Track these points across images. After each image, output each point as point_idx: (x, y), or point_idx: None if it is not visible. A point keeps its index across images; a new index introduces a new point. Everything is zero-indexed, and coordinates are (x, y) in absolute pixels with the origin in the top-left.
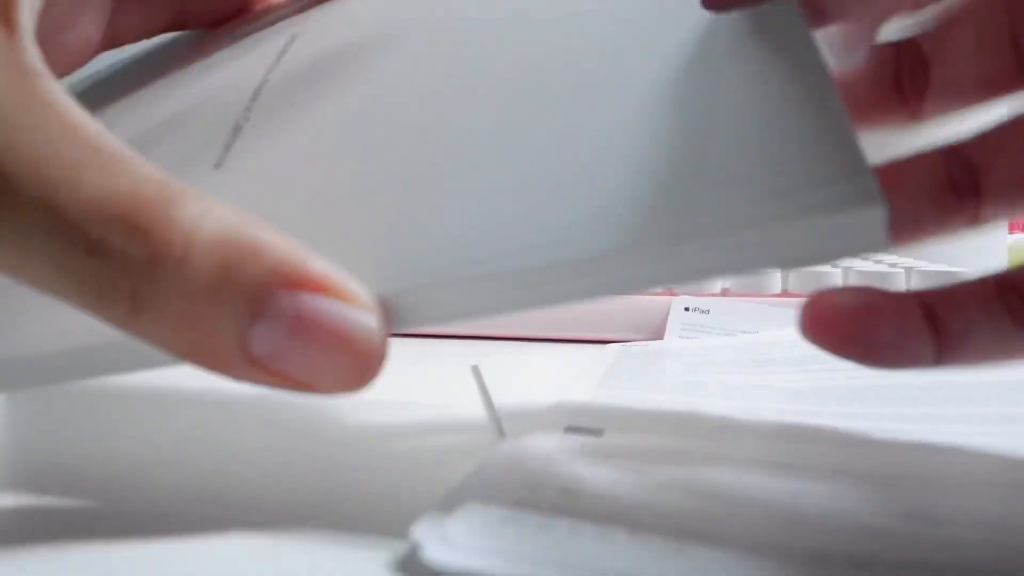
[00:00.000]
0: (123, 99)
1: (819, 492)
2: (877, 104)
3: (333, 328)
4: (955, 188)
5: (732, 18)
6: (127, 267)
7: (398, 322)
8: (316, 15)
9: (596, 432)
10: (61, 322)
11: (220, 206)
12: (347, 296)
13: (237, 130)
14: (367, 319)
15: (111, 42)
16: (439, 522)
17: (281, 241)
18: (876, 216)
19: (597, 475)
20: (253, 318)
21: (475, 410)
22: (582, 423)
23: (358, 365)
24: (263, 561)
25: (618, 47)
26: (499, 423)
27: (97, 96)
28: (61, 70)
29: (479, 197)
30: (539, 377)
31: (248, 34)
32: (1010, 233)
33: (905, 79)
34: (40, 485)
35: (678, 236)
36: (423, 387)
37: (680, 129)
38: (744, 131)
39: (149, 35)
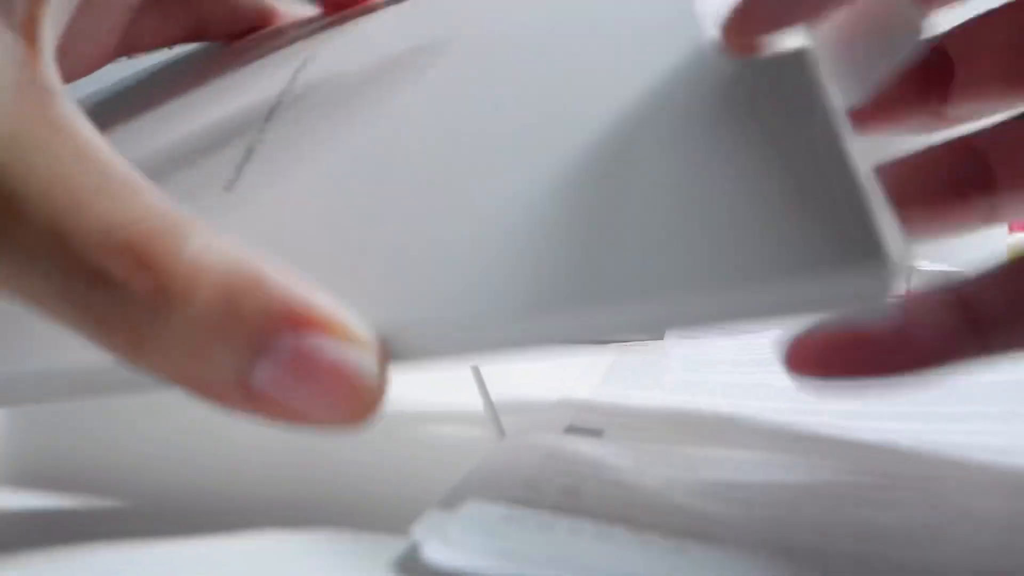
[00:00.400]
0: (138, 113)
1: (820, 492)
2: (898, 104)
3: (332, 368)
4: (964, 184)
5: (748, 62)
6: (130, 299)
7: (400, 358)
8: (331, 36)
9: (597, 432)
10: (63, 340)
11: (226, 239)
12: (348, 335)
13: (249, 152)
14: (366, 360)
15: (126, 50)
16: (439, 522)
17: (285, 277)
18: (880, 270)
19: (598, 475)
20: (254, 354)
21: (475, 409)
22: (583, 423)
23: (355, 404)
24: (259, 560)
25: (636, 88)
26: (499, 422)
27: (111, 108)
28: (73, 75)
29: (482, 238)
30: (539, 376)
31: (264, 53)
32: (1010, 232)
33: (929, 79)
34: (41, 481)
35: (669, 288)
36: (422, 385)
37: (688, 183)
38: (753, 188)
39: (165, 44)
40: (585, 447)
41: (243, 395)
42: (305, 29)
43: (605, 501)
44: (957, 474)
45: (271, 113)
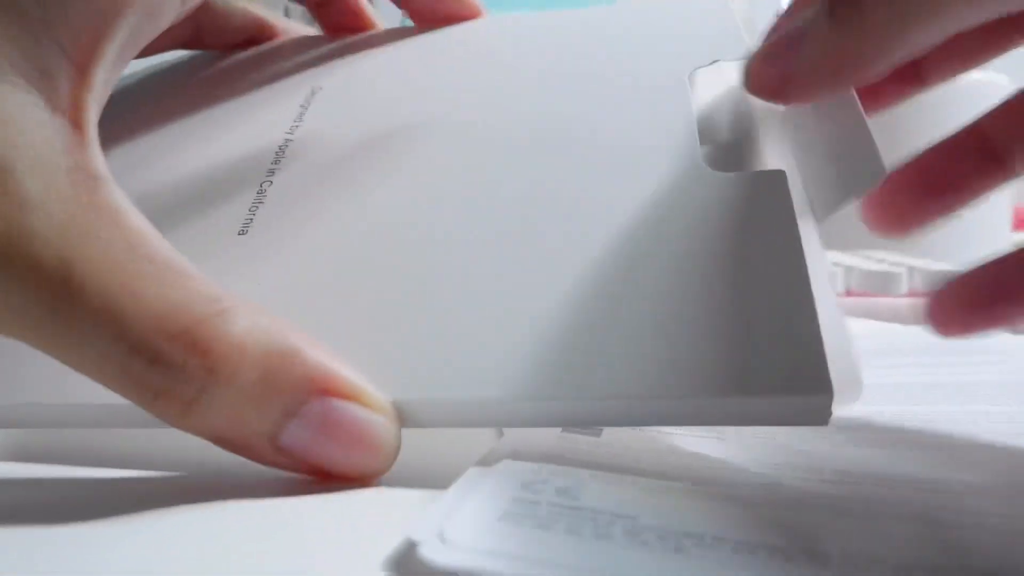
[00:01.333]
0: (141, 131)
1: (824, 493)
2: (882, 85)
3: (354, 430)
4: (981, 170)
5: (724, 183)
6: (186, 378)
7: (408, 423)
8: (337, 67)
9: (595, 431)
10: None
11: (264, 317)
12: (368, 402)
13: (261, 194)
14: (383, 423)
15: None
16: (436, 521)
17: (316, 350)
18: (824, 401)
19: (596, 474)
20: (286, 418)
21: None
22: None
23: (373, 460)
24: (253, 557)
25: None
26: None
27: (112, 119)
28: None
29: (482, 326)
30: None
31: (269, 77)
32: (1015, 231)
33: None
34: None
35: (625, 394)
36: None
37: (658, 298)
38: (723, 313)
39: (162, 51)
40: (583, 447)
41: (274, 452)
42: (309, 54)
43: (603, 501)
44: (959, 476)
45: (280, 152)
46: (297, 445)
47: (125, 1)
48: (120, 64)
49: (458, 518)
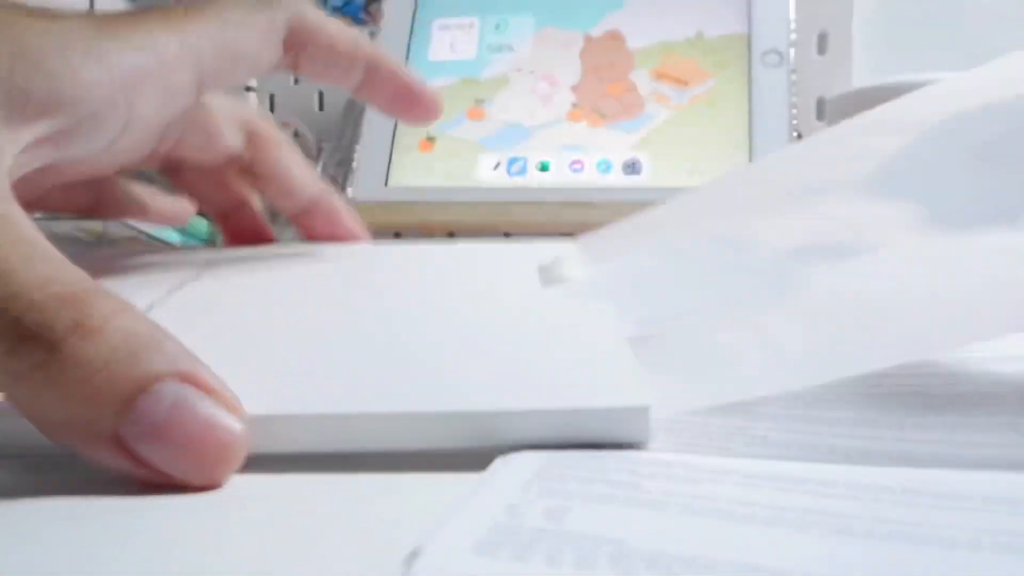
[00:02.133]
0: None
1: (828, 511)
2: None
3: (203, 420)
4: None
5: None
6: (52, 325)
7: (257, 443)
8: (220, 264)
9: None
10: None
11: (138, 312)
12: (224, 399)
13: (150, 308)
14: (236, 425)
15: (34, 207)
16: (417, 551)
17: (179, 346)
18: (641, 413)
19: (587, 494)
20: (136, 398)
21: None
22: None
23: (215, 460)
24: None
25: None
26: None
27: None
28: None
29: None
30: None
31: (149, 268)
32: None
33: None
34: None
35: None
36: None
37: (508, 351)
38: (563, 363)
39: (66, 212)
40: (580, 460)
41: (113, 443)
42: (196, 254)
43: (592, 525)
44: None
45: (179, 286)
46: (142, 432)
47: (73, 100)
48: (48, 147)
49: (425, 554)
